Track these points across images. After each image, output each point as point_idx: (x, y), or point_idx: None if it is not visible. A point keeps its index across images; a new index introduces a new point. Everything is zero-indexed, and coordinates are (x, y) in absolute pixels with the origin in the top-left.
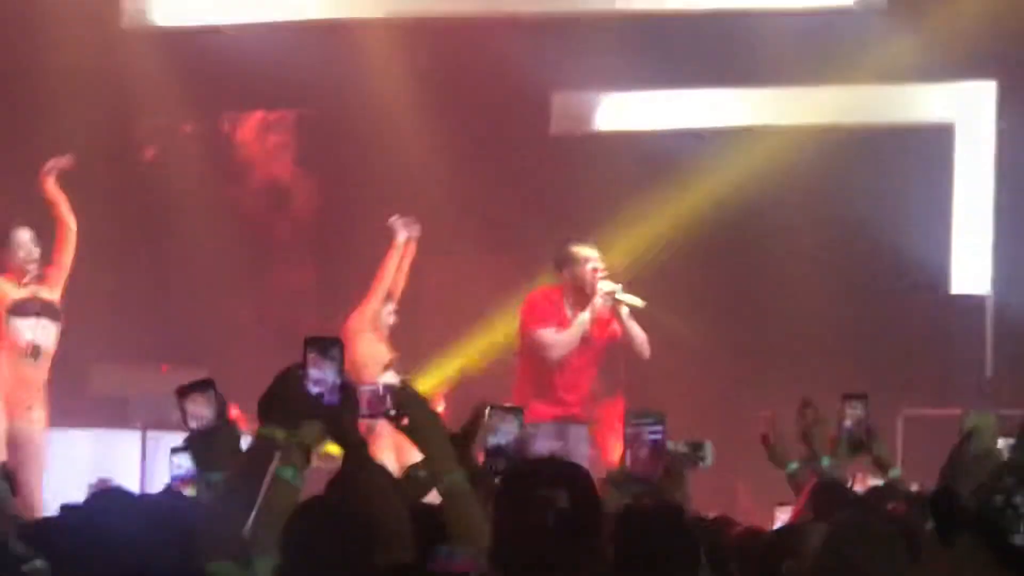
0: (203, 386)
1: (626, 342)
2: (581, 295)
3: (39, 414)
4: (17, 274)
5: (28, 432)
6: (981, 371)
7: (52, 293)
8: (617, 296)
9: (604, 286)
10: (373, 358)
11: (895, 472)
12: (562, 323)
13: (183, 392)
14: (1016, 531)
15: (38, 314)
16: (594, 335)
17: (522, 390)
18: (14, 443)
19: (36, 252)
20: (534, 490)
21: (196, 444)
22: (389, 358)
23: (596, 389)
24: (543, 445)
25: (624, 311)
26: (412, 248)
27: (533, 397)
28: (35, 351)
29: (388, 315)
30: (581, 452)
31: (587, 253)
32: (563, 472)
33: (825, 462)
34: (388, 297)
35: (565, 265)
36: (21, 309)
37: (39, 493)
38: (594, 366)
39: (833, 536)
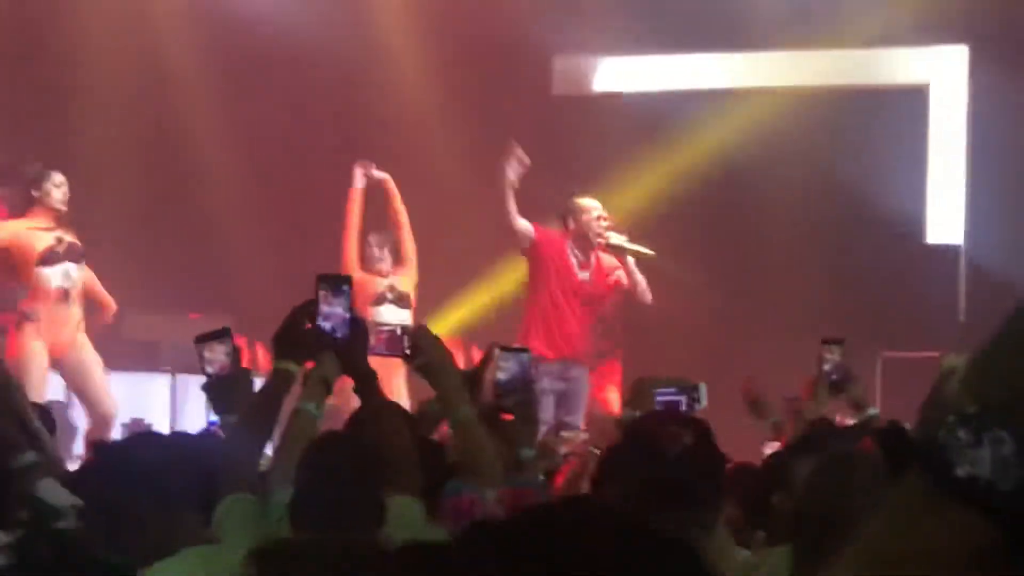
0: (220, 335)
1: (631, 289)
2: (586, 243)
3: (83, 339)
4: (46, 216)
5: (78, 358)
6: (955, 316)
7: (71, 235)
8: (625, 246)
9: (613, 237)
10: (363, 292)
11: (872, 411)
12: (563, 262)
13: (202, 339)
14: (958, 464)
15: (63, 259)
16: (597, 286)
17: (527, 330)
18: (72, 372)
19: (65, 195)
20: (664, 426)
21: (213, 389)
22: (380, 288)
23: (596, 338)
24: (546, 383)
25: (630, 260)
26: (390, 186)
27: (536, 337)
28: (66, 295)
29: (378, 250)
30: (581, 391)
31: (590, 203)
32: (689, 419)
33: (872, 413)
34: (370, 237)
35: (569, 215)
36: (49, 258)
37: (110, 398)
38: (594, 315)
39: (820, 467)
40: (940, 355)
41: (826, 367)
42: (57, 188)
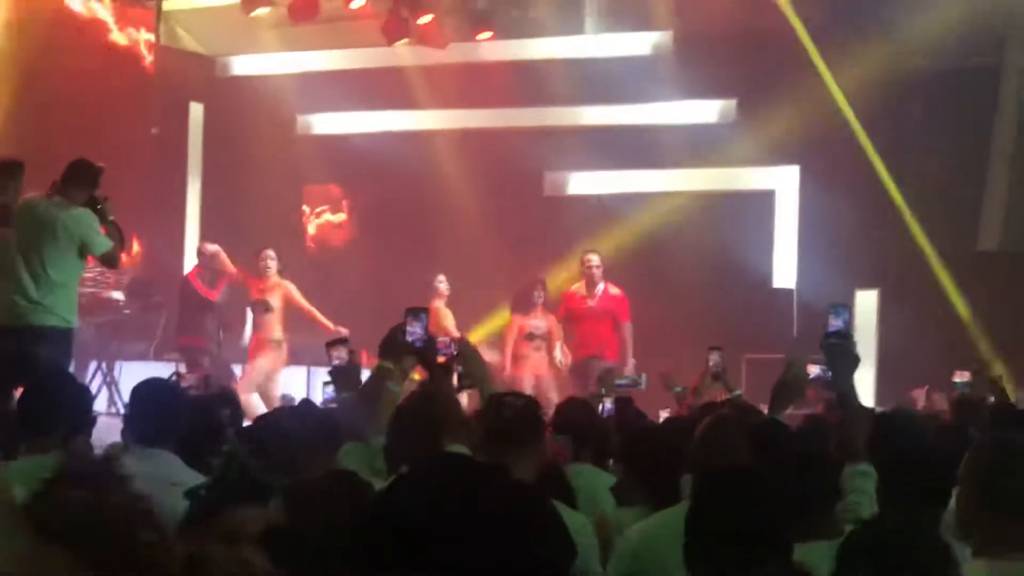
0: (342, 342)
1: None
2: (591, 281)
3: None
4: (261, 278)
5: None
6: (790, 333)
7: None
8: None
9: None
10: (440, 316)
11: (737, 392)
12: (576, 303)
13: (330, 344)
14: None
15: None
16: (602, 305)
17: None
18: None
19: (275, 266)
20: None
21: (336, 376)
22: (449, 318)
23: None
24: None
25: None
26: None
27: (568, 342)
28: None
29: (443, 286)
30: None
31: (586, 257)
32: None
33: (737, 393)
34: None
35: (580, 266)
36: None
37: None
38: (598, 321)
39: (712, 426)
40: (785, 355)
41: (711, 363)
42: (271, 260)
